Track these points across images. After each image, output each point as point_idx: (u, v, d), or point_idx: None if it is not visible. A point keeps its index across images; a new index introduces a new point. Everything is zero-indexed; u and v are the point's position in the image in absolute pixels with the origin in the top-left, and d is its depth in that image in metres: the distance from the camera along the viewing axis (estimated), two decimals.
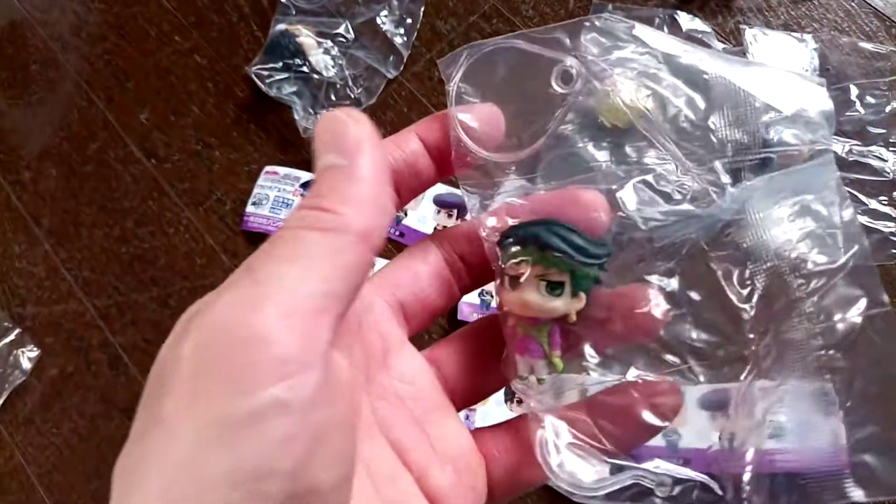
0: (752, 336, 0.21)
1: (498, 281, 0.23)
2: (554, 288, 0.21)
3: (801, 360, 0.20)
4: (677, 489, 0.21)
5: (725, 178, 0.21)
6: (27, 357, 0.69)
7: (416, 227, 0.68)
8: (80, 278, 0.72)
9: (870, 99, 0.71)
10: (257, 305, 0.17)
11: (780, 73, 0.21)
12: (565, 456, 0.21)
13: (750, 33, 0.73)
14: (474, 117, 0.22)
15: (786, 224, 0.20)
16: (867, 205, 0.67)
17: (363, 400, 0.22)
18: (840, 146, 0.69)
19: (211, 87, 0.78)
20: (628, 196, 0.22)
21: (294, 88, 0.73)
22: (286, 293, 0.17)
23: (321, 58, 0.73)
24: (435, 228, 0.68)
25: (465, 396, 0.24)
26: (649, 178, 0.22)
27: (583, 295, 0.22)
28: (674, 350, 0.22)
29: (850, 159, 0.68)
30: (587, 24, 0.22)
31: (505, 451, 0.23)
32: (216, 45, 0.80)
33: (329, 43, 0.75)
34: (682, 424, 0.64)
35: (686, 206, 0.21)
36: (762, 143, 0.20)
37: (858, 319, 0.19)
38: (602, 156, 0.24)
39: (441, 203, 0.69)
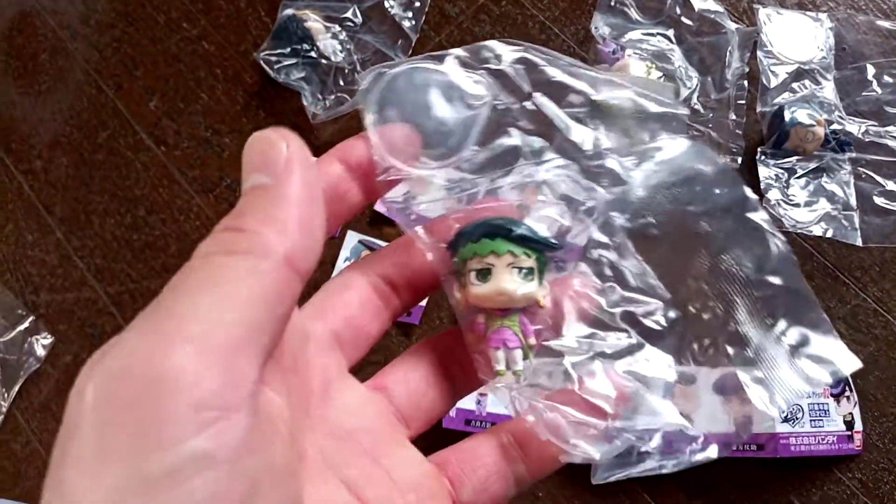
0: (681, 294, 0.24)
1: (456, 284, 0.23)
2: (527, 273, 0.22)
3: (739, 303, 0.23)
4: (660, 441, 0.23)
5: (621, 168, 0.24)
6: (41, 344, 0.69)
7: None
8: (93, 266, 0.72)
9: (887, 78, 0.70)
10: (168, 342, 0.15)
11: (639, 80, 0.26)
12: (573, 433, 0.22)
13: (763, 13, 0.72)
14: (392, 136, 0.22)
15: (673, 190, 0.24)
16: (884, 186, 0.66)
17: (307, 440, 0.20)
18: (856, 126, 0.68)
19: (220, 74, 0.78)
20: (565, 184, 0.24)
21: (302, 74, 0.72)
22: (201, 325, 0.15)
23: (329, 43, 0.73)
24: None
25: (419, 421, 0.23)
26: (572, 171, 0.24)
27: (546, 281, 0.23)
28: (619, 319, 0.24)
29: (867, 140, 0.67)
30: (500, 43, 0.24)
31: (471, 471, 0.22)
32: (224, 32, 0.80)
33: (337, 27, 0.74)
34: (694, 409, 0.64)
35: (602, 191, 0.24)
36: (635, 140, 0.25)
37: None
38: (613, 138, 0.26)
39: None
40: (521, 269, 0.22)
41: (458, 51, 0.24)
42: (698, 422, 0.63)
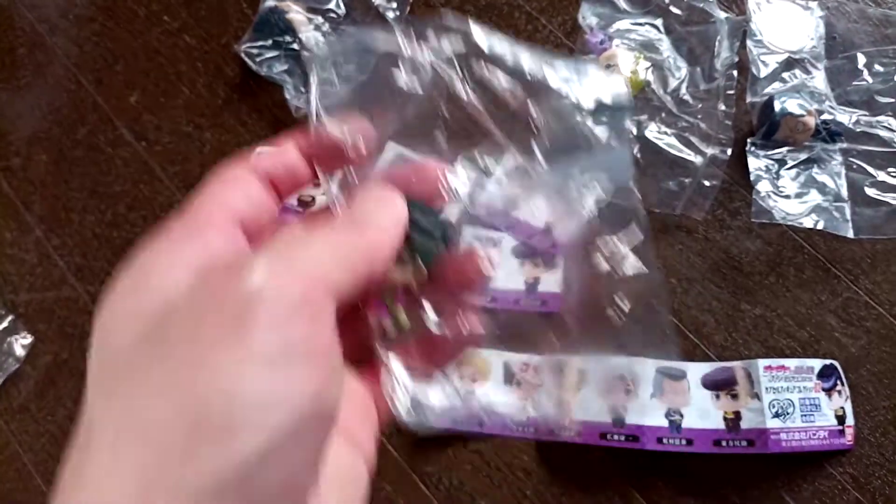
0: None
1: None
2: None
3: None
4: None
5: (542, 160, 0.26)
6: (21, 344, 0.68)
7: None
8: (73, 264, 0.71)
9: (878, 67, 0.69)
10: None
11: (585, 66, 0.27)
12: (413, 392, 0.25)
13: (753, 2, 0.71)
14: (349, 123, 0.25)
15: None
16: (875, 177, 0.65)
17: None
18: (847, 116, 0.67)
19: (201, 67, 0.77)
20: (461, 180, 0.26)
21: (285, 67, 0.71)
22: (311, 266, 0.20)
23: (312, 35, 0.71)
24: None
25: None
26: (475, 154, 0.26)
27: (421, 265, 0.25)
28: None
29: (858, 130, 0.67)
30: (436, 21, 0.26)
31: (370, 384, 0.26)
32: (205, 25, 0.79)
33: (320, 19, 0.73)
34: (685, 405, 0.63)
35: (510, 189, 0.26)
36: (573, 130, 0.26)
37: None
38: (599, 131, 0.27)
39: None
40: None
41: (405, 24, 0.25)
42: (688, 417, 0.62)
